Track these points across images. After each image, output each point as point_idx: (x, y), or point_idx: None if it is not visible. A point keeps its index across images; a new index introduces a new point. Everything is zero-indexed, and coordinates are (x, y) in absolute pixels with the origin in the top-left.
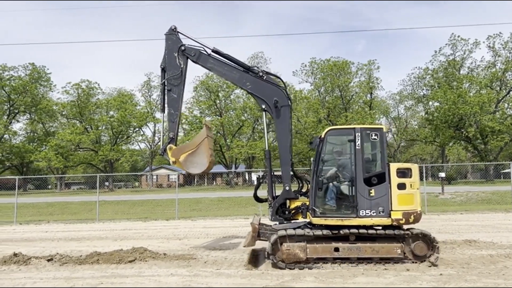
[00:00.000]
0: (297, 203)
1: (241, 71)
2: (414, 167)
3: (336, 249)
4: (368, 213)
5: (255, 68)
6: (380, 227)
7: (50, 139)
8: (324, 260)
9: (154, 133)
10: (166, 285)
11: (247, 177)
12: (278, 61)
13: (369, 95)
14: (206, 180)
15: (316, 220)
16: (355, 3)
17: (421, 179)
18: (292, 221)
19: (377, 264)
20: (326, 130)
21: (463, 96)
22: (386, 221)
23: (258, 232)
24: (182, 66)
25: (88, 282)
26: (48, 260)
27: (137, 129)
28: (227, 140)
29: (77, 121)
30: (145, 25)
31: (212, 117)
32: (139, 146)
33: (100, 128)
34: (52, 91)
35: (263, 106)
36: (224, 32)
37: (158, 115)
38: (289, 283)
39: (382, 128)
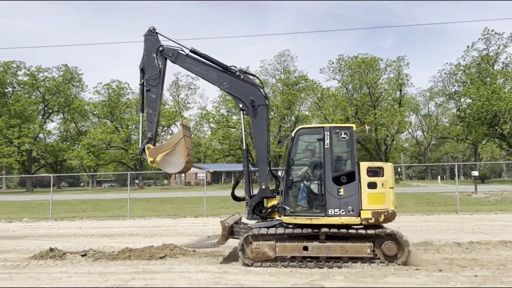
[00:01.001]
0: (273, 202)
1: (219, 70)
2: (387, 166)
3: (305, 248)
4: (337, 212)
5: (233, 67)
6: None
7: (82, 138)
8: (293, 259)
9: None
10: (196, 281)
11: None
12: (305, 59)
13: (398, 92)
14: (233, 178)
15: (286, 219)
16: None
17: (452, 178)
18: (268, 220)
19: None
20: (296, 129)
21: (497, 92)
22: (355, 220)
23: (232, 231)
24: (160, 66)
25: (121, 277)
26: (82, 256)
27: (166, 128)
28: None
29: (108, 121)
30: (173, 25)
31: (239, 116)
32: None
33: (130, 127)
34: (84, 92)
35: (240, 105)
36: (250, 30)
37: (186, 114)
38: (318, 282)
39: (352, 126)
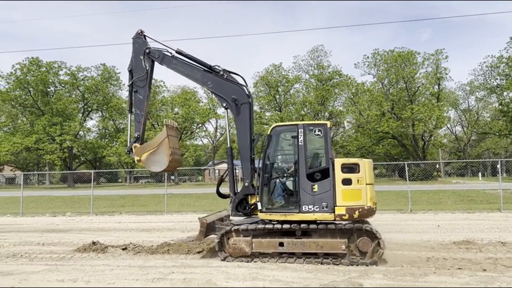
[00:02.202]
0: (256, 199)
1: (203, 70)
2: (364, 163)
3: (281, 244)
4: (311, 208)
5: (216, 67)
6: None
7: (120, 135)
8: (270, 255)
9: (216, 128)
10: (233, 276)
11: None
12: (339, 54)
13: (436, 87)
14: None
15: (262, 215)
16: None
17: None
18: (252, 216)
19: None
20: (272, 126)
21: None
22: (328, 216)
23: (214, 227)
24: (147, 68)
25: (160, 271)
26: (123, 249)
27: (200, 125)
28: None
29: None
30: (204, 24)
31: (272, 112)
32: (202, 141)
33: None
34: (121, 90)
35: (224, 104)
36: (283, 27)
37: (219, 111)
38: (357, 279)
39: (326, 124)
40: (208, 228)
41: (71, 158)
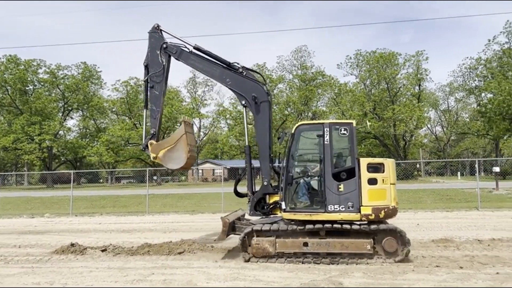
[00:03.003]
0: (275, 198)
1: (222, 67)
2: (388, 162)
3: (306, 244)
4: (336, 208)
5: (235, 64)
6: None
7: (101, 135)
8: (294, 255)
9: (199, 128)
10: (214, 276)
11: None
12: (322, 54)
13: (417, 87)
14: None
15: (286, 215)
16: None
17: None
18: (271, 216)
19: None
20: (296, 125)
21: None
22: (354, 216)
23: (234, 227)
24: (164, 63)
25: (140, 272)
26: (102, 251)
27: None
28: (272, 135)
29: (126, 117)
30: (190, 23)
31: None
32: None
33: (148, 124)
34: (102, 89)
35: (243, 102)
36: (266, 26)
37: (203, 110)
38: (337, 278)
39: (352, 123)
40: (229, 228)
41: (50, 158)
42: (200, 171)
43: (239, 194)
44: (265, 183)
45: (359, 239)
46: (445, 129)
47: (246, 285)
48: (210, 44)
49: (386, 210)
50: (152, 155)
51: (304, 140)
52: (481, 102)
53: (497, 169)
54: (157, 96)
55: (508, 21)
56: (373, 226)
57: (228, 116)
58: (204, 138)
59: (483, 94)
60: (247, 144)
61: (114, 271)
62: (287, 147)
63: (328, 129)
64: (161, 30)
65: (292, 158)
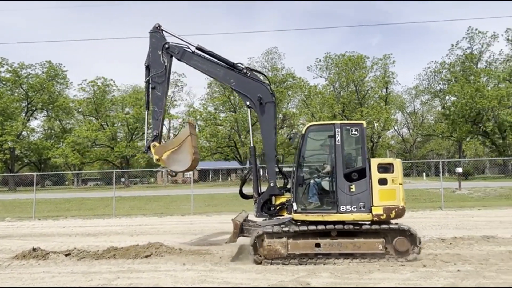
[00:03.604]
0: (282, 199)
1: (225, 68)
2: (397, 162)
3: (317, 245)
4: (348, 209)
5: (239, 64)
6: (368, 223)
7: (67, 136)
8: (306, 256)
9: (169, 129)
10: (182, 280)
11: (261, 173)
12: (292, 56)
13: (384, 90)
14: (220, 176)
15: (297, 216)
16: None
17: (437, 174)
18: (277, 217)
19: (392, 260)
20: (307, 126)
21: (480, 90)
22: (366, 216)
23: (242, 229)
24: (166, 64)
25: (105, 276)
26: (66, 255)
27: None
28: (241, 136)
29: (93, 118)
30: (160, 21)
31: (226, 113)
32: None
33: (115, 124)
34: (68, 89)
35: (248, 103)
36: (237, 27)
37: (172, 111)
38: (304, 278)
39: (362, 123)
40: (240, 230)
41: (13, 160)
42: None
43: (244, 196)
44: (272, 184)
45: (371, 239)
46: (411, 131)
47: None
48: None
49: (396, 210)
50: (155, 157)
51: (315, 141)
52: (445, 105)
53: (459, 169)
54: (159, 97)
55: (470, 27)
56: (384, 226)
57: (198, 117)
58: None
59: (447, 97)
60: (252, 145)
61: (78, 276)
62: (298, 148)
63: (339, 130)
64: (162, 30)
65: (303, 158)
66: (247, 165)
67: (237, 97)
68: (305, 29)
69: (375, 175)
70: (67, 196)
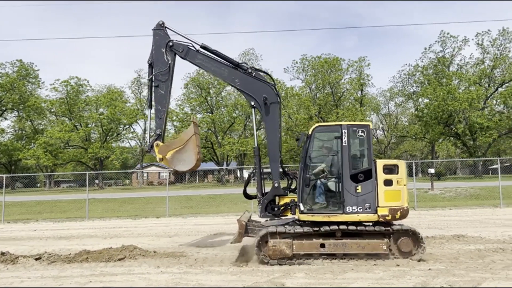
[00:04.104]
0: (286, 200)
1: (230, 67)
2: (401, 164)
3: (322, 245)
4: (354, 210)
5: (244, 64)
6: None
7: (39, 136)
8: (310, 256)
9: (144, 130)
10: (155, 282)
11: (238, 174)
12: (269, 58)
13: (359, 92)
14: (197, 177)
15: (303, 217)
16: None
17: (410, 175)
18: (282, 218)
19: (368, 260)
20: (314, 127)
21: (452, 93)
22: (372, 217)
23: (246, 229)
24: (169, 62)
25: (77, 280)
26: (36, 259)
27: (127, 126)
28: (219, 137)
29: (66, 119)
30: (134, 21)
31: (203, 114)
32: (129, 143)
33: (89, 125)
34: (40, 88)
35: (252, 103)
36: (214, 28)
37: (148, 112)
38: (279, 279)
39: (368, 124)
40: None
41: None
42: (145, 174)
43: (248, 196)
44: (276, 185)
45: (375, 240)
46: (385, 132)
47: None
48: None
49: (401, 210)
50: (159, 156)
51: (321, 142)
52: (418, 107)
53: (432, 170)
54: (163, 96)
55: (442, 31)
56: (388, 227)
57: (174, 118)
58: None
59: (420, 100)
60: (256, 145)
61: (48, 280)
62: (304, 148)
63: (346, 131)
64: (165, 27)
65: (310, 159)
66: (224, 166)
67: (214, 97)
68: (282, 31)
69: (381, 176)
70: (38, 198)
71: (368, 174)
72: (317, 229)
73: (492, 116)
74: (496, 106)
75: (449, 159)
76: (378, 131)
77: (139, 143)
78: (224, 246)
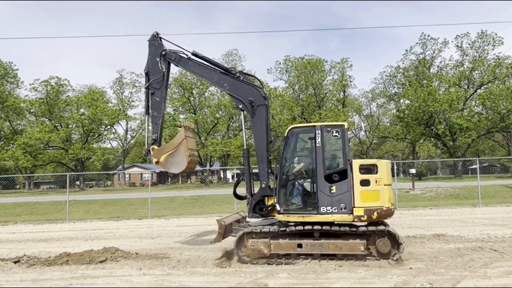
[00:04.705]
0: (273, 200)
1: (219, 72)
2: (381, 163)
3: (300, 245)
4: (329, 210)
5: (233, 69)
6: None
7: (18, 137)
8: (289, 256)
9: (126, 131)
10: (138, 284)
11: (222, 175)
12: (252, 58)
13: (342, 93)
14: (180, 178)
15: (280, 217)
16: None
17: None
18: (269, 218)
19: (349, 260)
20: (289, 128)
21: (432, 94)
22: (347, 217)
23: (232, 229)
24: (163, 70)
25: (57, 283)
26: (15, 262)
27: (109, 127)
28: (202, 138)
29: (46, 119)
30: (116, 21)
31: (186, 115)
32: (111, 144)
33: (70, 126)
34: (19, 88)
35: (240, 106)
36: (197, 28)
37: (130, 112)
38: (262, 280)
39: (343, 125)
40: (226, 230)
41: None
42: (127, 175)
43: (238, 197)
44: (263, 185)
45: (353, 240)
46: (367, 133)
47: None
48: (140, 46)
49: (379, 211)
50: (154, 160)
51: (297, 143)
52: (399, 108)
53: (413, 170)
54: (158, 102)
55: (423, 33)
56: (364, 228)
57: None
58: (132, 141)
59: (401, 101)
60: (245, 147)
61: (27, 284)
62: (281, 150)
63: (319, 132)
64: (160, 38)
65: (286, 160)
66: (207, 167)
67: (197, 98)
68: (265, 32)
69: (357, 176)
70: (17, 200)
71: (344, 174)
72: (293, 229)
73: (471, 117)
74: (475, 107)
75: (430, 159)
76: (361, 131)
77: (120, 144)
78: (207, 247)
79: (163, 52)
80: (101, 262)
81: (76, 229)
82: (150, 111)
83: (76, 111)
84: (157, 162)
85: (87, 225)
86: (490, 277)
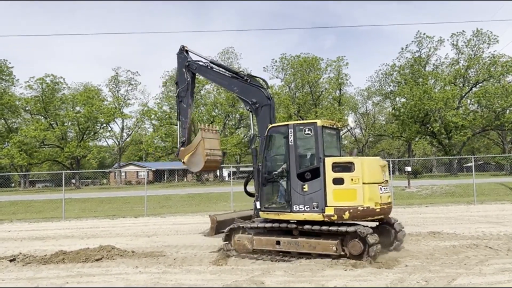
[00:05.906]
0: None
1: (229, 77)
2: (359, 161)
3: (278, 243)
4: (301, 208)
5: (241, 72)
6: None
7: (13, 135)
8: (270, 252)
9: (122, 129)
10: (134, 283)
11: (218, 173)
12: (248, 56)
13: (338, 91)
14: (176, 176)
15: (262, 214)
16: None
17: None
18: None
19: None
20: (269, 127)
21: (428, 92)
22: (317, 216)
23: (222, 225)
24: (188, 79)
25: (53, 282)
26: (11, 261)
27: (105, 125)
28: None
29: (42, 117)
30: (112, 19)
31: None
32: (106, 142)
33: (66, 124)
34: (14, 86)
35: (247, 108)
36: (194, 26)
37: (126, 110)
38: (259, 278)
39: (316, 122)
40: (219, 225)
41: None
42: (123, 173)
43: (249, 194)
44: None
45: (326, 240)
46: (363, 131)
47: None
48: (134, 42)
49: (352, 210)
50: (182, 160)
51: (275, 142)
52: (395, 106)
53: (409, 168)
54: (185, 109)
55: (418, 31)
56: (336, 228)
57: (153, 116)
58: (128, 139)
59: (397, 99)
60: (253, 146)
61: (23, 282)
62: (260, 149)
63: (292, 130)
64: (186, 51)
65: (265, 159)
66: None
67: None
68: (261, 30)
69: (330, 175)
70: (13, 198)
71: (316, 173)
72: (270, 226)
73: (466, 115)
74: (471, 105)
75: (425, 157)
76: (356, 129)
77: (116, 142)
78: (203, 245)
79: (187, 63)
80: (97, 260)
81: (72, 227)
82: (179, 117)
83: (71, 109)
84: (183, 163)
85: (83, 223)
86: (485, 274)
